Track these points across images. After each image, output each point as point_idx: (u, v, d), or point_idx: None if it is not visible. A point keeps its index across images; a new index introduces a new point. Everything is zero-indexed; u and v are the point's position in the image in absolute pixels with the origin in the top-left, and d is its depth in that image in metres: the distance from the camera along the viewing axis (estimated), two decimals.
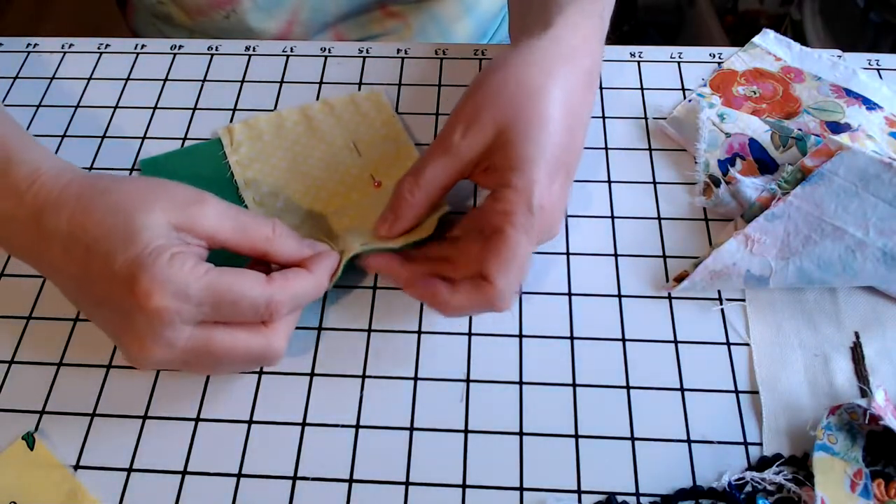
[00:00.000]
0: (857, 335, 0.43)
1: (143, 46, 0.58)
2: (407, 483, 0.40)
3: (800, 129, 0.49)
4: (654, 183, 0.50)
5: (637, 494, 0.39)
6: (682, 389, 0.42)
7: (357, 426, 0.41)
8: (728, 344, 0.43)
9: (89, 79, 0.57)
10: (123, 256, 0.35)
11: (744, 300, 0.45)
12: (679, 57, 0.56)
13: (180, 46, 0.58)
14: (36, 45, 0.59)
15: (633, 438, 0.40)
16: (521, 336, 0.44)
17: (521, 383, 0.42)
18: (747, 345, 0.43)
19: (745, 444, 0.40)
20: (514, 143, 0.40)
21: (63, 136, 0.54)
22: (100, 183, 0.38)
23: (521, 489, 0.39)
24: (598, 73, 0.46)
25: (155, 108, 0.55)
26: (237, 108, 0.54)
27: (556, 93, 0.41)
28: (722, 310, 0.44)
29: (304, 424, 0.42)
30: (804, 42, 0.55)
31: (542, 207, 0.39)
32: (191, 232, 0.37)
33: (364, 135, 0.52)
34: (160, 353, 0.35)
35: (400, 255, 0.42)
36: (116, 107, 0.55)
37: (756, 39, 0.56)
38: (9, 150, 0.39)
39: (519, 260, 0.38)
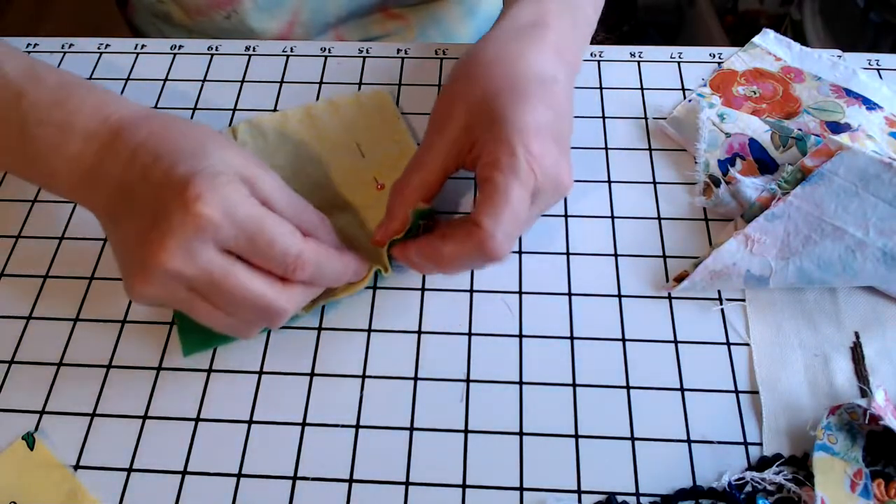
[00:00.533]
0: (857, 335, 0.43)
1: (143, 46, 0.58)
2: (407, 483, 0.40)
3: (800, 129, 0.49)
4: (654, 183, 0.50)
5: (637, 494, 0.39)
6: (682, 389, 0.42)
7: (357, 426, 0.41)
8: (728, 344, 0.43)
9: (89, 79, 0.57)
10: (186, 166, 0.36)
11: (744, 300, 0.45)
12: (679, 57, 0.56)
13: (180, 46, 0.58)
14: (36, 45, 0.59)
15: (633, 438, 0.40)
16: (521, 336, 0.44)
17: (521, 383, 0.42)
18: (747, 345, 0.43)
19: (745, 444, 0.40)
20: (486, 111, 0.40)
21: None
22: (183, 119, 0.41)
23: (521, 489, 0.39)
24: (566, 47, 0.45)
25: (155, 107, 0.55)
26: (237, 108, 0.54)
27: (514, 58, 0.41)
28: (722, 310, 0.44)
29: (304, 424, 0.42)
30: (804, 42, 0.55)
31: (531, 152, 0.38)
32: (251, 187, 0.38)
33: (368, 136, 0.52)
34: (178, 263, 0.35)
35: None
36: None
37: (756, 39, 0.56)
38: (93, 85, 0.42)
39: (511, 204, 0.37)
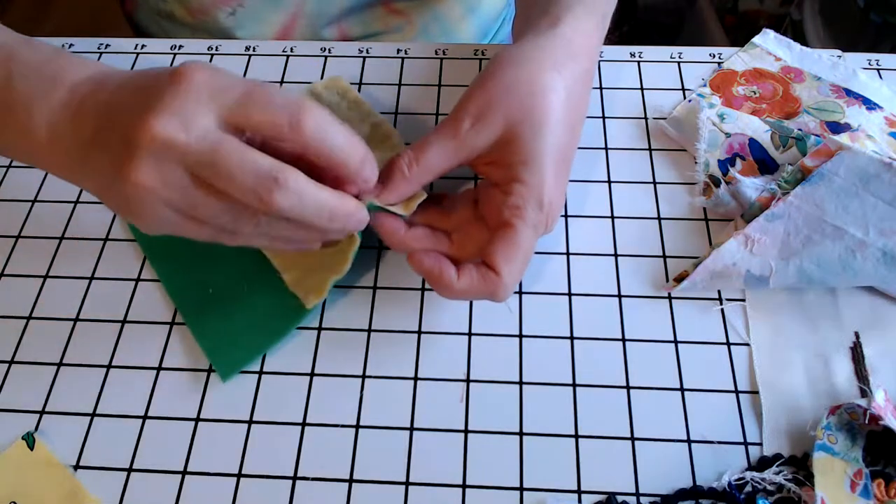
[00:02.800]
0: (857, 335, 0.43)
1: (143, 46, 0.58)
2: (407, 483, 0.40)
3: (800, 129, 0.49)
4: (654, 183, 0.50)
5: (637, 494, 0.39)
6: (682, 389, 0.42)
7: (357, 426, 0.41)
8: (728, 344, 0.43)
9: None
10: (181, 64, 0.35)
11: (744, 300, 0.45)
12: (679, 57, 0.56)
13: (180, 46, 0.58)
14: None
15: (633, 438, 0.40)
16: (521, 336, 0.44)
17: (521, 383, 0.42)
18: (747, 345, 0.43)
19: (745, 444, 0.40)
20: (524, 139, 0.40)
21: None
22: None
23: (521, 489, 0.39)
24: (594, 71, 0.47)
25: None
26: None
27: (562, 91, 0.42)
28: (722, 310, 0.44)
29: (304, 424, 0.42)
30: (804, 42, 0.55)
31: (551, 202, 0.40)
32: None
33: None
34: (171, 132, 0.33)
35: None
36: None
37: (756, 39, 0.56)
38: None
39: (524, 253, 0.40)
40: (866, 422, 0.38)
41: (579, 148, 0.51)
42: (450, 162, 0.42)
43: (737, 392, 0.42)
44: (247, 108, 0.34)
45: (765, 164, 0.48)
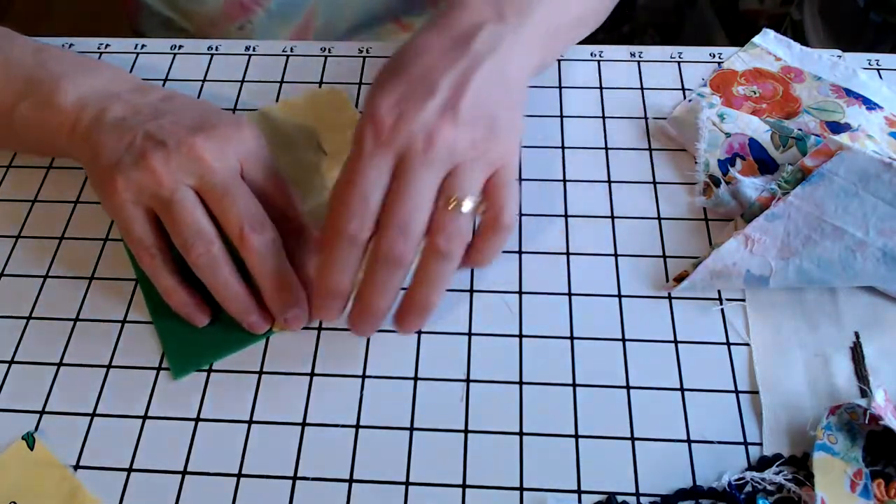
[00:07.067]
0: (857, 335, 0.43)
1: (143, 46, 0.58)
2: (407, 483, 0.40)
3: (800, 129, 0.49)
4: (654, 183, 0.50)
5: (637, 494, 0.39)
6: (682, 389, 0.42)
7: (357, 426, 0.41)
8: (728, 344, 0.43)
9: None
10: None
11: (744, 300, 0.45)
12: (679, 57, 0.56)
13: (180, 46, 0.58)
14: None
15: (633, 438, 0.40)
16: (521, 336, 0.44)
17: (521, 383, 0.42)
18: (747, 345, 0.43)
19: (745, 444, 0.40)
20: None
21: None
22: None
23: (521, 489, 0.39)
24: (485, 30, 0.42)
25: None
26: (237, 107, 0.54)
27: (408, 45, 0.42)
28: (722, 310, 0.44)
29: (304, 424, 0.42)
30: (804, 42, 0.55)
31: (399, 117, 0.38)
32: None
33: (328, 134, 0.52)
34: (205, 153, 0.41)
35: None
36: None
37: (756, 39, 0.56)
38: None
39: (352, 182, 0.38)
40: (866, 422, 0.38)
41: (580, 148, 0.51)
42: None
43: (737, 392, 0.42)
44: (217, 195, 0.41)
45: (765, 164, 0.48)
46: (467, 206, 0.37)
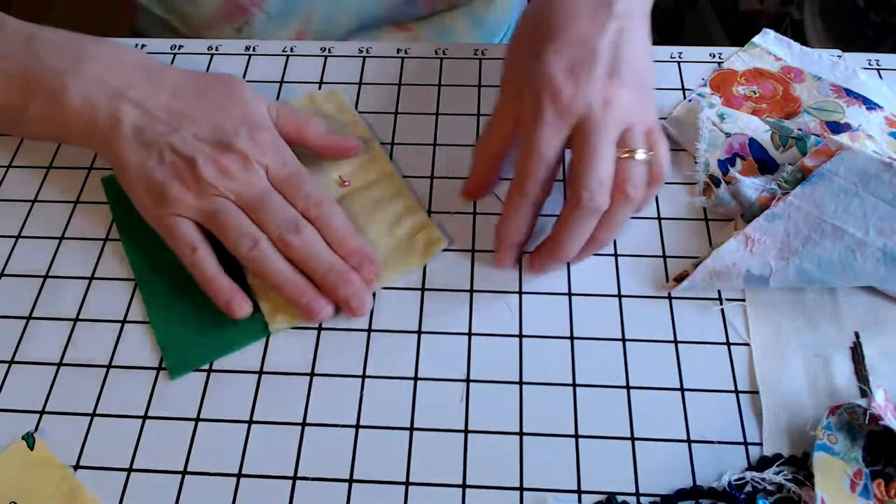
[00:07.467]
0: (857, 335, 0.43)
1: (142, 47, 0.58)
2: (407, 483, 0.40)
3: (800, 129, 0.49)
4: None
5: (637, 494, 0.39)
6: (682, 389, 0.42)
7: (357, 426, 0.41)
8: (728, 344, 0.43)
9: None
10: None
11: (744, 300, 0.45)
12: (679, 57, 0.56)
13: (180, 46, 0.58)
14: None
15: (633, 438, 0.40)
16: (521, 336, 0.44)
17: (521, 383, 0.42)
18: (747, 345, 0.43)
19: (745, 444, 0.40)
20: (528, 61, 0.43)
21: None
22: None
23: (521, 489, 0.39)
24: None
25: None
26: None
27: (551, 7, 0.44)
28: (722, 310, 0.44)
29: (304, 424, 0.42)
30: (804, 42, 0.55)
31: (576, 85, 0.41)
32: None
33: None
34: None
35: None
36: None
37: (756, 39, 0.56)
38: None
39: (535, 149, 0.41)
40: (866, 422, 0.38)
41: None
42: (503, 132, 0.45)
43: (737, 392, 0.42)
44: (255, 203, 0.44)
45: (765, 164, 0.48)
46: (640, 155, 0.41)
